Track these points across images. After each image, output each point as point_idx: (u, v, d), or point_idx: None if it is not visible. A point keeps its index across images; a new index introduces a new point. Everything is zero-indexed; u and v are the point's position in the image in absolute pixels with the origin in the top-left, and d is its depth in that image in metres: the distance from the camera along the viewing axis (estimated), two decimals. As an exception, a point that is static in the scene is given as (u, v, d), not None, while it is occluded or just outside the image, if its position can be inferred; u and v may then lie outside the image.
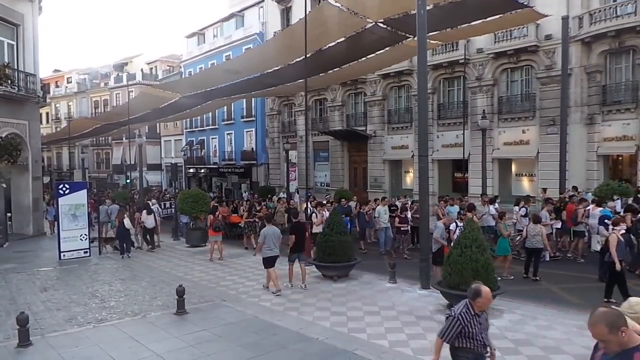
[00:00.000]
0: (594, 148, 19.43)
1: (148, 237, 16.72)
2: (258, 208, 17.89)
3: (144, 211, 16.65)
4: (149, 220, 16.37)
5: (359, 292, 10.03)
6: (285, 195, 22.30)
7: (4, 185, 16.63)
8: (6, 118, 18.92)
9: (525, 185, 21.86)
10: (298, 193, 24.77)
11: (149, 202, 19.96)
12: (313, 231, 13.52)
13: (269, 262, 10.27)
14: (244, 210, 17.64)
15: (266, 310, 8.93)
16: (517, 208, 14.47)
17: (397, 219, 14.26)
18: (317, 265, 11.47)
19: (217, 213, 15.65)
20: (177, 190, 22.83)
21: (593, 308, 2.90)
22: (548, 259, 12.57)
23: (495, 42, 21.76)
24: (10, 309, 9.20)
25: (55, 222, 16.06)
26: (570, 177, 18.82)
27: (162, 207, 20.37)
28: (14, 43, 19.81)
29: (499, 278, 10.79)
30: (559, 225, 13.83)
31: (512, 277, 11.05)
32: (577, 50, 19.55)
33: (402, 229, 14.18)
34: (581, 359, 6.33)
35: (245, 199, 24.57)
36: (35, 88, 20.75)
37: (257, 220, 16.41)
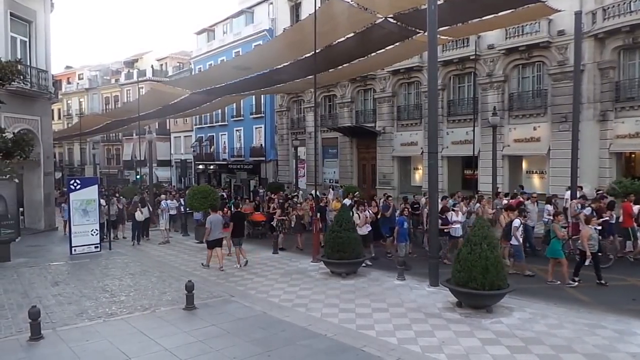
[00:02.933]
0: (606, 145, 19.17)
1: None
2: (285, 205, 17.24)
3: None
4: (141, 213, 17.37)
5: (368, 289, 10.01)
6: (314, 194, 22.12)
7: (17, 181, 16.79)
8: (19, 114, 19.13)
9: (536, 183, 21.64)
10: (334, 190, 24.56)
11: (143, 197, 20.95)
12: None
13: (212, 244, 12.51)
14: (274, 208, 17.24)
15: (274, 306, 8.96)
16: (576, 205, 13.14)
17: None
18: (326, 262, 11.46)
19: (225, 209, 15.69)
20: (174, 186, 22.95)
21: None
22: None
23: (506, 38, 21.53)
24: (22, 303, 9.32)
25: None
26: (582, 175, 18.55)
27: (182, 202, 20.27)
28: (27, 40, 20.00)
29: (556, 282, 10.19)
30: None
31: (572, 283, 10.11)
32: (590, 46, 19.28)
33: (445, 231, 12.55)
34: (592, 358, 6.28)
35: (262, 196, 24.38)
36: (47, 84, 20.93)
37: (287, 218, 16.00)
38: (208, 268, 12.53)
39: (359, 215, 12.87)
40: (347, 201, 17.18)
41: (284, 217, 15.94)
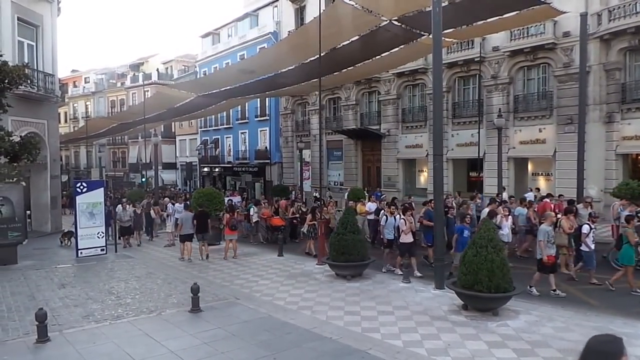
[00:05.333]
0: (612, 147, 19.07)
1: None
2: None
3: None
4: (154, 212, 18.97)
5: (373, 292, 9.99)
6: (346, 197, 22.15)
7: (24, 184, 16.91)
8: (25, 117, 19.28)
9: (542, 185, 21.53)
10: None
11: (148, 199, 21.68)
12: (401, 241, 11.63)
13: (184, 238, 14.09)
14: (294, 213, 17.03)
15: (279, 309, 8.95)
16: (619, 207, 12.67)
17: None
18: (331, 264, 11.44)
19: (233, 212, 15.70)
20: (179, 188, 23.00)
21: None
22: None
23: (511, 39, 21.48)
24: (29, 305, 9.37)
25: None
26: (588, 177, 18.47)
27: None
28: (34, 44, 20.19)
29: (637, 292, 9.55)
30: None
31: None
32: (596, 48, 19.20)
33: None
34: (599, 362, 6.21)
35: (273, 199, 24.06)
36: (54, 88, 21.10)
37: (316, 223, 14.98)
38: (184, 261, 13.92)
39: (405, 221, 11.58)
40: (372, 205, 16.79)
41: (314, 222, 14.83)
